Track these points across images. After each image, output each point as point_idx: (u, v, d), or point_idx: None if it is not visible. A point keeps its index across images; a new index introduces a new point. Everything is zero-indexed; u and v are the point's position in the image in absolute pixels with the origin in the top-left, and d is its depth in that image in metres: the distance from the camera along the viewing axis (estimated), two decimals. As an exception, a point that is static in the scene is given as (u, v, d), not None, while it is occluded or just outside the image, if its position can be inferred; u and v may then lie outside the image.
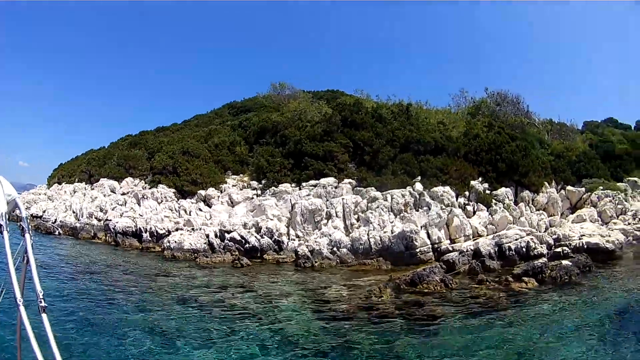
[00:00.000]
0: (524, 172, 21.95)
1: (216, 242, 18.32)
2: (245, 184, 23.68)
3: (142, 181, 26.79)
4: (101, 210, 24.67)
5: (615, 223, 20.98)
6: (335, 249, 17.08)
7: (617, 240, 17.89)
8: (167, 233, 19.92)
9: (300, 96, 33.96)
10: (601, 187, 23.36)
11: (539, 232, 18.67)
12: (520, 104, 28.94)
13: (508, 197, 20.71)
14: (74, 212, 26.31)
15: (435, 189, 19.39)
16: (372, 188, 19.85)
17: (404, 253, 16.38)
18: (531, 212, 20.61)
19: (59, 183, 33.56)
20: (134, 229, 21.19)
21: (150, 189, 24.91)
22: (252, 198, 21.81)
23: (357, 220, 18.49)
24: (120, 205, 24.53)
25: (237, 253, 17.39)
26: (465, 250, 16.31)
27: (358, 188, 20.44)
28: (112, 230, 21.45)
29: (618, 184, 24.88)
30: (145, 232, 20.54)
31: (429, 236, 16.99)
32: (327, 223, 18.53)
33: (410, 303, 10.91)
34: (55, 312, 9.07)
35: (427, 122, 25.64)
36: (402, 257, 16.30)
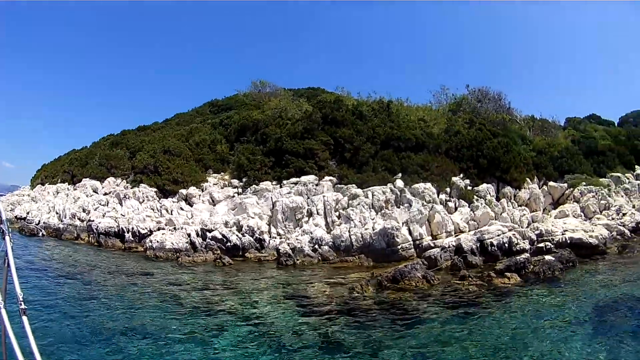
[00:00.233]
0: (506, 168, 22.01)
1: (198, 241, 18.14)
2: (226, 183, 23.50)
3: (124, 181, 26.47)
4: (84, 210, 24.35)
5: (598, 218, 21.12)
6: (316, 246, 16.99)
7: (601, 235, 17.94)
8: (149, 233, 19.71)
9: (281, 94, 33.85)
10: (584, 183, 23.50)
11: (521, 227, 18.70)
12: (501, 100, 29.04)
13: (490, 193, 20.75)
14: (57, 213, 25.98)
15: (416, 185, 19.36)
16: (353, 185, 19.77)
17: (385, 250, 16.30)
18: (513, 207, 20.70)
19: (42, 184, 33.12)
20: (116, 229, 20.90)
21: (132, 188, 24.60)
22: (233, 196, 21.63)
23: (338, 217, 18.40)
24: (103, 205, 24.22)
25: (218, 252, 17.23)
26: (447, 247, 16.24)
27: (339, 185, 20.34)
28: (95, 230, 21.14)
29: (601, 179, 25.08)
30: (128, 232, 20.27)
31: (410, 233, 16.94)
32: (308, 221, 18.43)
33: (392, 300, 10.89)
34: (38, 314, 9.01)
35: (408, 119, 25.58)
36: (383, 253, 16.22)
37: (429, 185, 19.51)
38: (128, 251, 19.13)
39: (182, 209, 21.83)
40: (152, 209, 22.46)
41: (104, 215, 22.48)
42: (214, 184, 23.48)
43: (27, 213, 28.01)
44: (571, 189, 23.29)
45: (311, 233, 17.49)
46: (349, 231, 17.16)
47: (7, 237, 2.24)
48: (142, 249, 18.75)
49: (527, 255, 14.85)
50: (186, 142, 27.32)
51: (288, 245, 16.93)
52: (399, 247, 16.21)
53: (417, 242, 16.83)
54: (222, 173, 25.01)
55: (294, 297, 11.33)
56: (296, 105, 28.45)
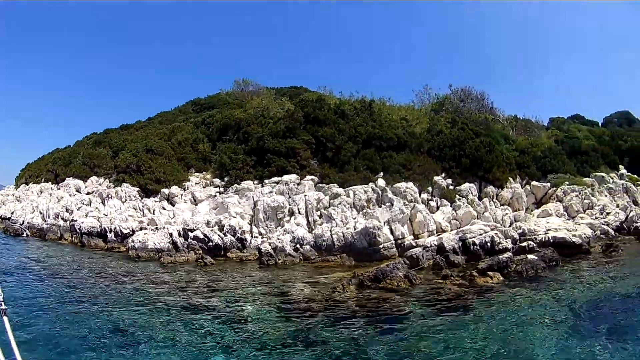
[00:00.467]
0: (488, 167, 22.11)
1: (180, 241, 17.99)
2: (208, 182, 23.36)
3: (107, 180, 26.21)
4: (67, 210, 24.12)
5: (582, 217, 21.23)
6: (298, 245, 16.92)
7: (585, 234, 18.04)
8: (131, 232, 19.57)
9: (263, 93, 33.74)
10: (567, 182, 23.65)
11: (504, 227, 18.76)
12: (484, 100, 29.21)
13: (472, 193, 20.82)
14: (40, 213, 25.73)
15: (397, 184, 19.38)
16: (335, 184, 19.74)
17: (367, 249, 16.28)
18: (495, 207, 20.79)
19: (27, 183, 32.69)
20: (99, 229, 20.71)
21: (114, 188, 24.36)
22: (215, 196, 21.54)
23: (320, 216, 18.34)
24: (86, 205, 23.98)
25: (200, 252, 17.09)
26: (429, 246, 16.23)
27: (320, 184, 20.29)
28: (78, 230, 20.96)
29: (584, 179, 25.28)
30: (110, 232, 20.09)
31: (392, 232, 16.92)
32: (289, 220, 18.34)
33: (374, 299, 10.84)
34: (20, 315, 8.96)
35: (390, 118, 25.59)
36: (365, 253, 16.19)
37: (410, 184, 19.53)
38: (111, 251, 18.98)
39: (164, 208, 21.66)
40: (134, 208, 22.28)
41: (86, 215, 22.28)
42: (196, 183, 23.32)
43: (12, 213, 27.76)
44: (554, 188, 23.42)
45: (293, 232, 17.41)
46: (330, 230, 17.11)
47: None
48: (125, 249, 18.63)
49: (509, 254, 14.85)
50: (169, 141, 27.10)
51: (270, 245, 16.84)
52: (381, 246, 16.19)
53: (399, 241, 16.81)
54: (204, 172, 24.85)
55: (276, 297, 11.28)
56: (278, 104, 28.34)
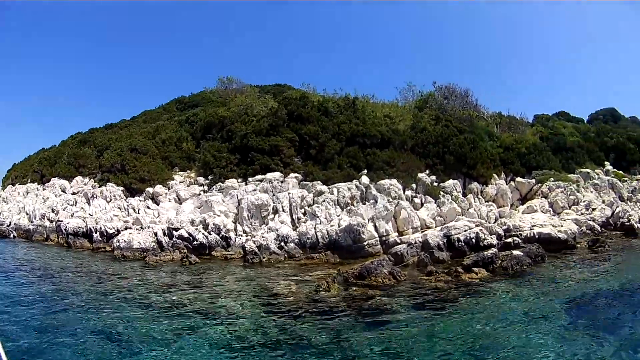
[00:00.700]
0: (472, 164, 22.22)
1: (165, 240, 17.88)
2: (192, 180, 23.26)
3: (92, 180, 26.04)
4: (53, 211, 24.06)
5: (567, 213, 21.36)
6: (282, 243, 16.88)
7: (570, 230, 18.21)
8: (116, 232, 19.49)
9: (247, 90, 33.62)
10: (552, 179, 23.79)
11: (489, 223, 18.88)
12: (468, 97, 29.24)
13: (456, 189, 20.91)
14: (27, 214, 25.66)
15: (381, 181, 19.40)
16: (319, 182, 19.74)
17: (351, 246, 16.30)
18: (480, 203, 20.88)
19: (13, 184, 32.41)
20: (84, 229, 20.63)
21: (99, 187, 24.22)
22: (199, 194, 21.47)
23: (304, 214, 18.31)
24: (71, 205, 23.86)
25: (185, 251, 17.04)
26: (413, 243, 16.29)
27: (304, 182, 20.29)
28: (64, 231, 20.88)
29: (570, 175, 25.42)
30: (96, 232, 19.99)
31: (376, 229, 16.96)
32: (273, 218, 18.30)
33: (359, 296, 10.85)
34: (6, 317, 8.97)
35: (374, 115, 25.55)
36: (349, 250, 16.22)
37: (394, 181, 19.56)
38: (96, 251, 18.92)
39: (148, 207, 21.55)
40: (119, 208, 22.16)
41: (72, 216, 22.21)
42: (180, 182, 23.22)
43: (-1, 214, 27.45)
44: (539, 184, 23.55)
45: (277, 230, 17.38)
46: (314, 228, 17.10)
47: None
48: (110, 249, 18.52)
49: (494, 250, 14.93)
50: (153, 139, 26.96)
51: (254, 243, 16.80)
52: (365, 243, 16.22)
53: (384, 238, 16.85)
54: (188, 171, 24.76)
55: (261, 295, 11.27)
56: (262, 102, 28.28)
